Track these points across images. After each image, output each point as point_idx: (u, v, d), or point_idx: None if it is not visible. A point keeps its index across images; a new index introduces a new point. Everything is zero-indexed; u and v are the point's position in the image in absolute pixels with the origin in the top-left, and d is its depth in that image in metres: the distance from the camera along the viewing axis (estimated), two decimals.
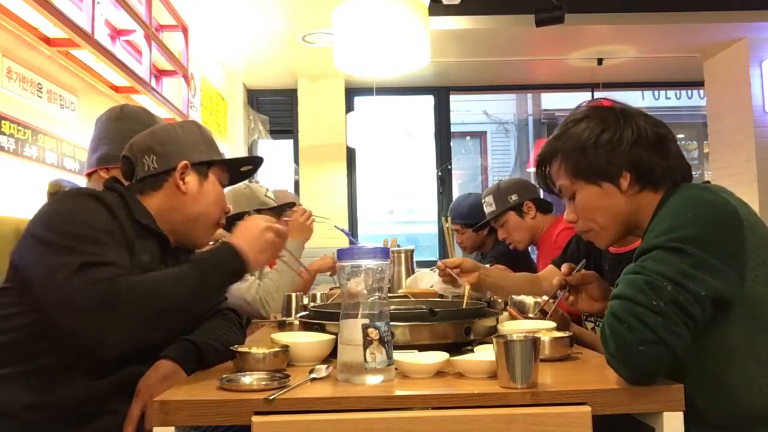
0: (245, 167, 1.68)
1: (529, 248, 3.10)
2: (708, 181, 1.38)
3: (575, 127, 1.39)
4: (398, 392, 1.11)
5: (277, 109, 6.02)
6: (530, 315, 1.63)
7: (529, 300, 1.66)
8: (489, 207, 2.89)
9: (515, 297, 1.69)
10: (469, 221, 3.28)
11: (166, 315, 1.30)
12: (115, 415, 1.30)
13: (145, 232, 1.46)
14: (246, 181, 2.39)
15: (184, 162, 1.51)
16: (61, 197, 1.42)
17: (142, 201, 1.50)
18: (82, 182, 2.18)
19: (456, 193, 6.65)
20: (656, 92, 8.12)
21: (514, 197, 2.81)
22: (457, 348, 1.41)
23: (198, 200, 1.53)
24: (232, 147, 5.26)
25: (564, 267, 1.61)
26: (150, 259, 1.44)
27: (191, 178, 1.52)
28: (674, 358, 1.11)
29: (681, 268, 1.13)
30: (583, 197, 1.40)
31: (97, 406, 1.32)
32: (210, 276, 1.32)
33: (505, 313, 1.81)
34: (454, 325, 1.43)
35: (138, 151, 1.52)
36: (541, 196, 2.86)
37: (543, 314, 1.62)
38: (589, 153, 1.36)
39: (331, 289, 2.62)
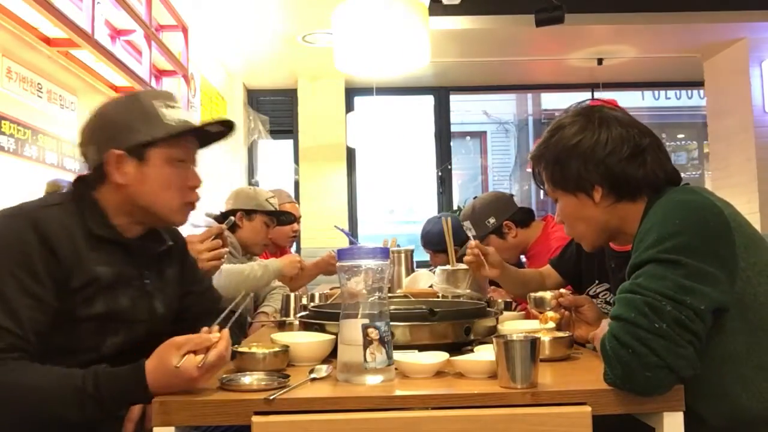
0: (215, 128, 1.43)
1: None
2: (688, 183, 1.38)
3: (557, 135, 1.40)
4: (398, 392, 1.11)
5: (277, 109, 6.02)
6: (548, 308, 1.62)
7: (547, 295, 1.64)
8: (469, 231, 2.84)
9: (533, 294, 1.67)
10: (441, 247, 3.23)
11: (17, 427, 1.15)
12: (114, 415, 1.29)
13: (102, 240, 1.32)
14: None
15: (115, 152, 1.30)
16: None
17: (100, 198, 1.35)
18: None
19: (456, 193, 6.65)
20: (656, 92, 8.11)
21: (491, 221, 2.72)
22: (457, 348, 1.41)
23: (143, 189, 1.33)
24: (232, 147, 5.25)
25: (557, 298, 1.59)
26: (111, 268, 1.31)
27: (129, 166, 1.32)
28: (681, 380, 1.10)
29: (678, 282, 1.12)
30: (563, 205, 1.45)
31: None
32: (102, 403, 1.13)
33: (506, 313, 1.81)
34: (454, 325, 1.43)
35: (83, 143, 1.38)
36: (519, 207, 2.77)
37: (559, 307, 1.60)
38: (564, 165, 1.38)
39: (331, 289, 2.62)
